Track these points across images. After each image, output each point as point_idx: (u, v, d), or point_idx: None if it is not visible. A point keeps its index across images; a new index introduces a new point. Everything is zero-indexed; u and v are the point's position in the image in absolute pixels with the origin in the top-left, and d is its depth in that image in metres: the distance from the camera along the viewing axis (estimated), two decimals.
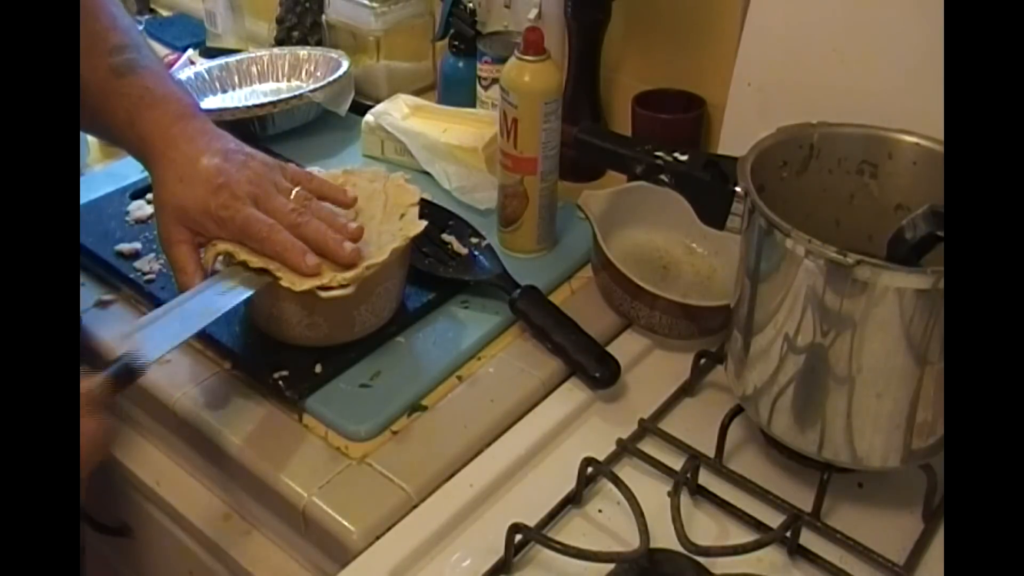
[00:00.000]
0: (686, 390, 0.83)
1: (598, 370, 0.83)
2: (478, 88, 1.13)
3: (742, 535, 0.71)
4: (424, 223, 0.84)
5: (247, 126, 1.12)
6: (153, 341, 0.69)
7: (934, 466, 0.71)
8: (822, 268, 0.65)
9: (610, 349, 0.85)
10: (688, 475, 0.73)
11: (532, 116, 0.91)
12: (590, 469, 0.73)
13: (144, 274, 0.93)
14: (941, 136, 0.69)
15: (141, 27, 1.15)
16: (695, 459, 0.75)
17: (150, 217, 0.98)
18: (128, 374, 0.66)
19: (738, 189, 0.73)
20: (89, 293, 0.91)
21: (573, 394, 0.84)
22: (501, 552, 0.68)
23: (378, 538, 0.71)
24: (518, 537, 0.69)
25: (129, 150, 0.81)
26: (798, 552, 0.70)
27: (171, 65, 1.27)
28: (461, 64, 1.18)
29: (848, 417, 0.69)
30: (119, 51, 0.79)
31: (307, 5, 1.29)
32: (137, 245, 0.96)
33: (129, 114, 0.78)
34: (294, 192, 0.81)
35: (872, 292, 0.64)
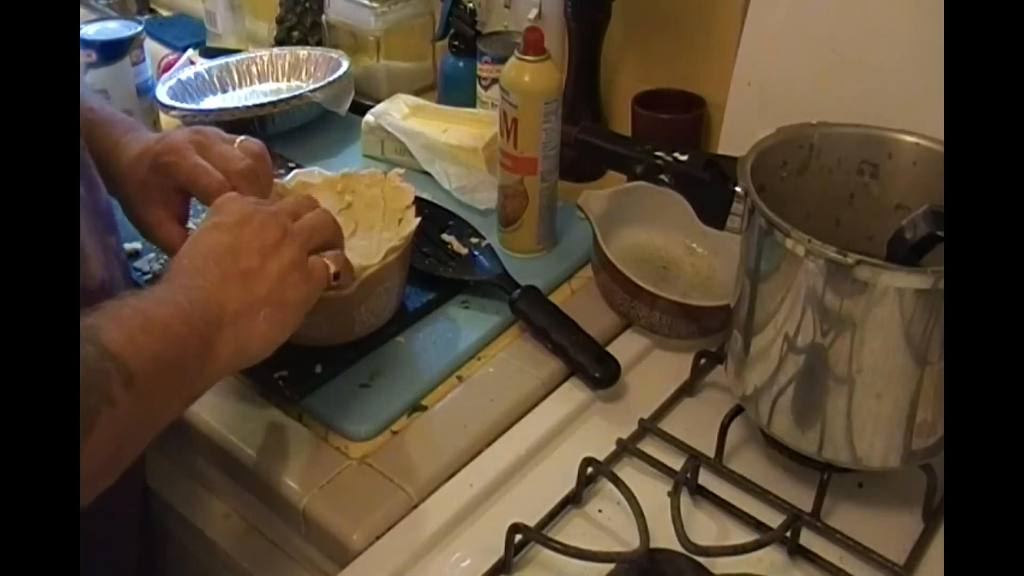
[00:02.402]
0: (686, 390, 0.83)
1: (598, 370, 0.82)
2: (478, 88, 1.13)
3: (742, 535, 0.71)
4: (417, 220, 0.84)
5: (247, 126, 1.12)
6: None
7: (934, 466, 0.71)
8: (822, 268, 0.65)
9: (610, 349, 0.85)
10: (688, 475, 0.73)
11: (532, 116, 0.91)
12: (590, 469, 0.73)
13: (144, 274, 0.93)
14: (941, 136, 0.69)
15: (141, 27, 1.14)
16: (695, 459, 0.75)
17: None
18: None
19: (738, 189, 0.73)
20: None
21: (573, 394, 0.84)
22: (501, 552, 0.68)
23: (378, 538, 0.71)
24: (518, 537, 0.69)
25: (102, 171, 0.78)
26: (798, 552, 0.70)
27: (171, 65, 1.27)
28: (461, 64, 1.18)
29: (848, 417, 0.69)
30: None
31: (307, 5, 1.29)
32: (137, 245, 0.95)
33: (86, 136, 0.75)
34: (238, 141, 0.79)
35: (872, 292, 0.64)
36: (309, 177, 0.92)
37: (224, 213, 0.68)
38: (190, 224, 0.81)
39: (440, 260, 0.94)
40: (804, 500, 0.72)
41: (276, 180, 0.91)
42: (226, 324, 0.62)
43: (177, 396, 0.60)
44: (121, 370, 0.53)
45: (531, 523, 0.70)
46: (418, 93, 1.21)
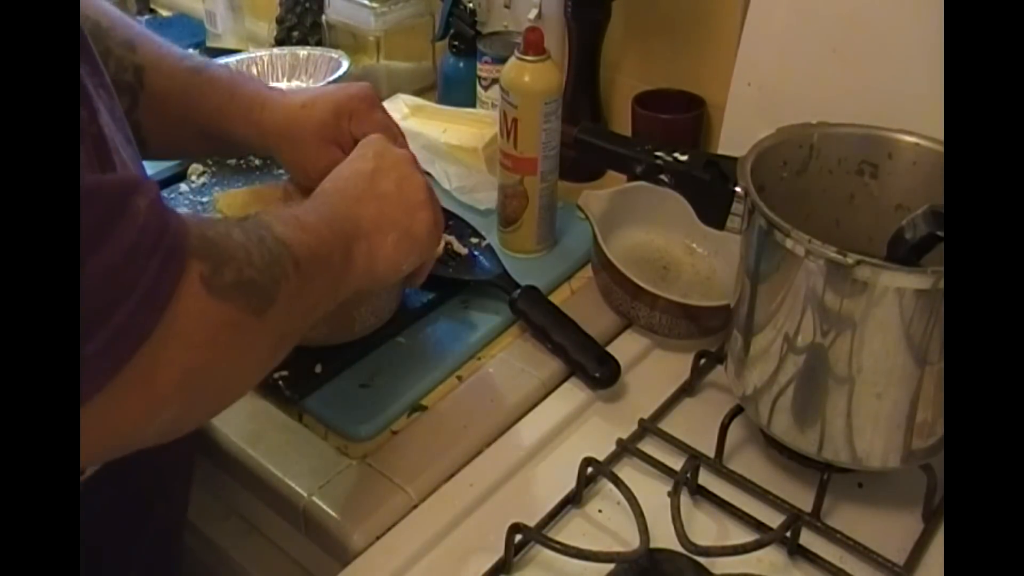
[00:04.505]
0: (686, 390, 0.83)
1: (598, 370, 0.83)
2: (478, 88, 1.13)
3: (742, 535, 0.71)
4: None
5: None
6: None
7: (934, 466, 0.71)
8: (822, 268, 0.65)
9: (610, 349, 0.85)
10: (688, 475, 0.73)
11: (532, 116, 0.91)
12: (590, 469, 0.73)
13: None
14: (941, 136, 0.69)
15: None
16: (695, 459, 0.75)
17: None
18: None
19: (738, 189, 0.73)
20: None
21: (573, 394, 0.84)
22: (501, 552, 0.68)
23: (378, 538, 0.71)
24: (518, 537, 0.69)
25: (227, 126, 0.83)
26: (798, 552, 0.70)
27: None
28: (461, 64, 1.18)
29: (848, 417, 0.69)
30: (187, 58, 0.85)
31: (307, 5, 1.29)
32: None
33: (229, 91, 0.83)
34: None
35: (872, 292, 0.64)
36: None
37: (369, 146, 0.75)
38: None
39: (440, 260, 0.93)
40: (804, 500, 0.72)
41: (279, 181, 0.91)
42: (360, 236, 0.68)
43: (325, 293, 0.65)
44: (290, 255, 0.60)
45: (531, 523, 0.70)
46: (418, 93, 1.21)
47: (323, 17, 1.27)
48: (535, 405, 0.83)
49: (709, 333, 0.87)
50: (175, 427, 0.57)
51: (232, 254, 0.55)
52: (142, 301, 0.49)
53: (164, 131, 0.82)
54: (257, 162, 1.10)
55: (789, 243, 0.66)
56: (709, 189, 0.76)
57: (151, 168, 0.98)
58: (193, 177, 1.08)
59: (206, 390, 0.56)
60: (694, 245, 0.97)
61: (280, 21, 1.31)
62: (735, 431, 0.77)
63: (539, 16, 1.12)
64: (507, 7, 1.16)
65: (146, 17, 1.52)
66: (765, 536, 0.69)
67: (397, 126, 0.84)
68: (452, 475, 0.76)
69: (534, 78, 0.91)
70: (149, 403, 0.52)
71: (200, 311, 0.52)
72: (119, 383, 0.49)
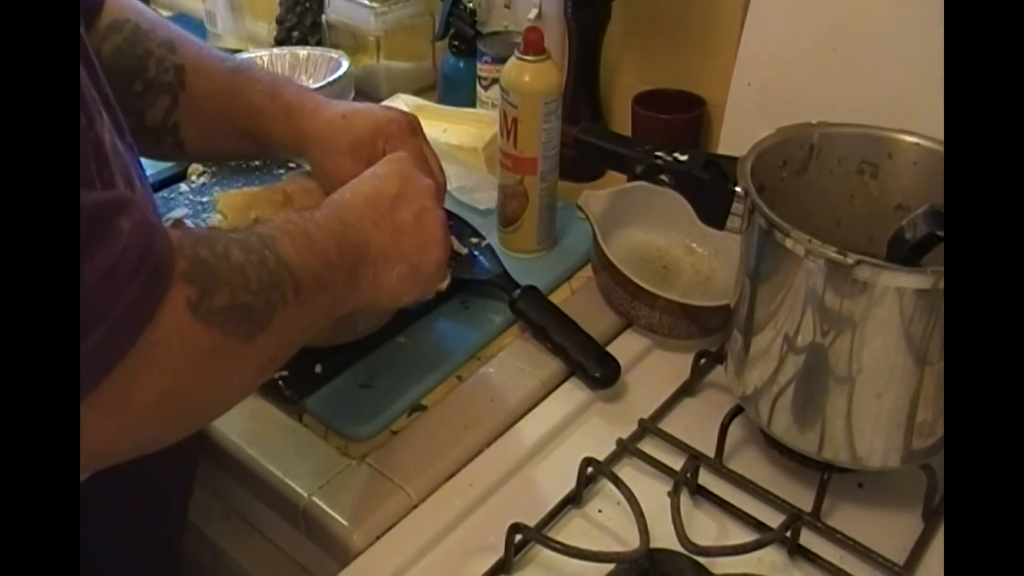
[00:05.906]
0: (686, 390, 0.83)
1: (598, 370, 0.83)
2: (478, 88, 1.13)
3: (742, 535, 0.71)
4: None
5: None
6: None
7: (934, 466, 0.71)
8: (822, 268, 0.65)
9: (610, 349, 0.85)
10: (688, 475, 0.73)
11: (532, 116, 0.91)
12: (590, 469, 0.73)
13: None
14: (941, 136, 0.69)
15: None
16: (695, 459, 0.75)
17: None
18: None
19: (738, 189, 0.73)
20: None
21: (573, 394, 0.84)
22: (501, 552, 0.68)
23: (378, 538, 0.71)
24: (518, 537, 0.69)
25: (266, 125, 0.82)
26: (798, 552, 0.70)
27: None
28: (461, 64, 1.18)
29: (848, 417, 0.69)
30: (227, 59, 0.85)
31: (307, 5, 1.29)
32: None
33: (271, 92, 0.81)
34: None
35: (872, 292, 0.64)
36: (308, 179, 0.92)
37: (396, 164, 0.73)
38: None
39: None
40: (804, 500, 0.72)
41: (279, 181, 0.91)
42: (368, 263, 0.67)
43: (323, 313, 0.64)
44: (292, 278, 0.59)
45: (531, 523, 0.70)
46: (418, 93, 1.21)
47: (323, 17, 1.27)
48: (535, 405, 0.83)
49: (709, 333, 0.87)
50: (151, 444, 0.56)
51: (226, 277, 0.54)
52: (116, 326, 0.48)
53: (202, 131, 0.81)
54: (257, 162, 1.10)
55: (789, 243, 0.66)
56: (709, 189, 0.76)
57: (151, 167, 0.98)
58: (193, 177, 1.08)
59: (185, 411, 0.56)
60: (694, 245, 0.97)
61: (280, 21, 1.31)
62: (735, 431, 0.77)
63: (539, 16, 1.12)
64: (507, 7, 1.16)
65: None
66: (765, 536, 0.69)
67: (436, 157, 0.82)
68: (452, 475, 0.76)
69: (534, 78, 0.91)
70: (122, 423, 0.51)
71: (183, 335, 0.51)
72: (92, 403, 0.48)
